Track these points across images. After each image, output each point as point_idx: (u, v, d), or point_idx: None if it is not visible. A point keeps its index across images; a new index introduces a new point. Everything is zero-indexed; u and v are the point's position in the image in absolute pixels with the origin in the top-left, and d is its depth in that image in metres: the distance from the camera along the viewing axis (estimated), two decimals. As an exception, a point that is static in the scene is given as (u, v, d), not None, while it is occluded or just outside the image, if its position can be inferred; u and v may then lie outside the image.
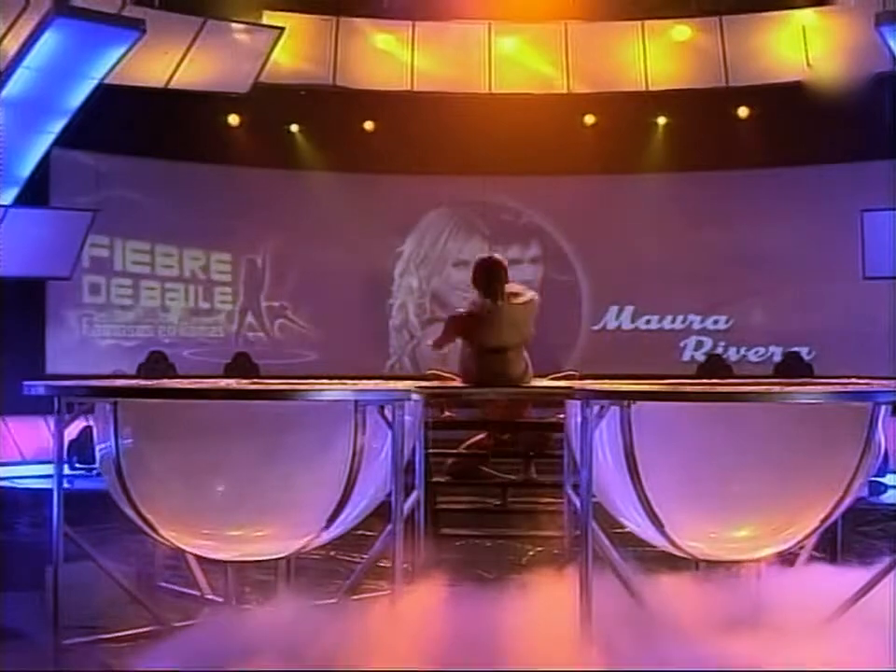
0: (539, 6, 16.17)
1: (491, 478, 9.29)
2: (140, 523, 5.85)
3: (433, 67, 16.42)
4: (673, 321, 17.34)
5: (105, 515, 6.27)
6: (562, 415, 7.08)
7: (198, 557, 6.23)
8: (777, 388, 5.80)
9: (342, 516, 5.79)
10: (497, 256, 7.05)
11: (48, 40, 12.96)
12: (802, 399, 5.53)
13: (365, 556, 5.98)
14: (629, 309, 17.37)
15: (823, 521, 5.73)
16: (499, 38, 16.49)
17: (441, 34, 16.42)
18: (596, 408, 5.62)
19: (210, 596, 6.54)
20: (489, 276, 6.96)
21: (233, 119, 16.62)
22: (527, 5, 16.14)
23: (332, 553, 7.43)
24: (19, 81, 13.16)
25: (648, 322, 17.37)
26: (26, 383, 6.15)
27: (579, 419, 5.75)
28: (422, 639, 5.43)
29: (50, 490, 5.98)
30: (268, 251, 17.22)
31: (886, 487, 12.61)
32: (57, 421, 5.99)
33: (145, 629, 6.05)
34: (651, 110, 16.72)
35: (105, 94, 13.95)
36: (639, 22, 16.32)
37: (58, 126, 13.88)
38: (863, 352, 14.89)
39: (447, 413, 8.88)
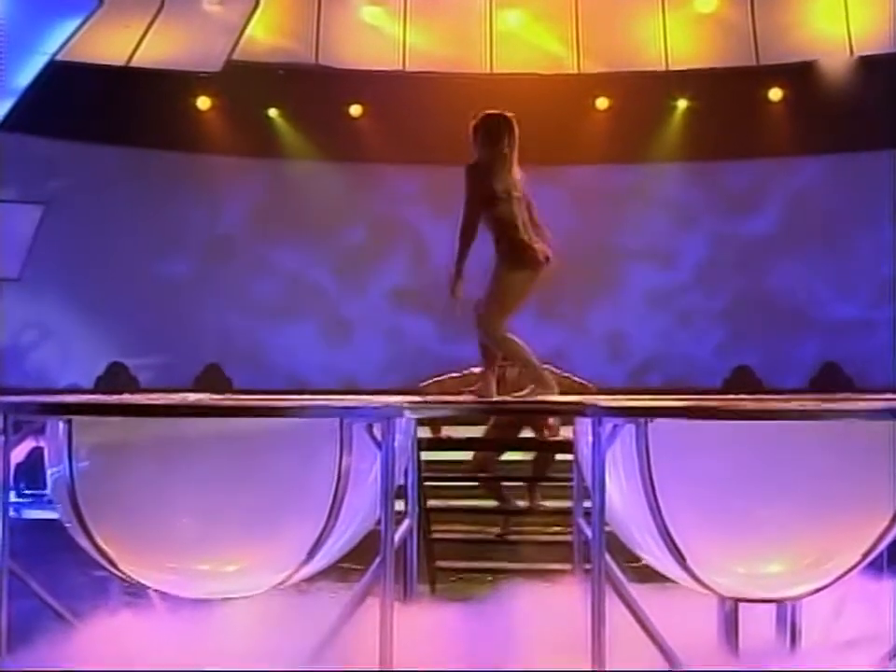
0: (547, -26, 16.25)
1: (498, 487, 9.31)
2: (97, 556, 5.84)
3: (427, 44, 16.46)
4: (696, 325, 17.32)
5: (57, 547, 6.25)
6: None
7: (162, 594, 6.22)
8: (813, 404, 5.81)
9: (325, 547, 5.79)
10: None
11: (-8, 10, 12.99)
12: (842, 416, 5.54)
13: (351, 592, 5.98)
14: (644, 311, 17.37)
15: (866, 554, 5.72)
16: (502, 11, 16.54)
17: (437, 6, 16.46)
18: (610, 426, 5.62)
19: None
20: (499, 131, 7.01)
21: (204, 102, 16.62)
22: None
23: (314, 589, 7.42)
24: (-41, 57, 13.19)
25: (667, 326, 17.36)
26: (-33, 398, 6.15)
27: (590, 438, 5.75)
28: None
29: (-5, 519, 5.97)
30: (245, 248, 17.21)
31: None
32: (3, 442, 5.98)
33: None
34: (672, 92, 16.75)
35: (59, 72, 13.99)
36: (659, -9, 16.38)
37: (4, 108, 13.89)
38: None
39: (444, 433, 8.90)
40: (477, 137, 7.02)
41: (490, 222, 6.96)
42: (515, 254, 6.96)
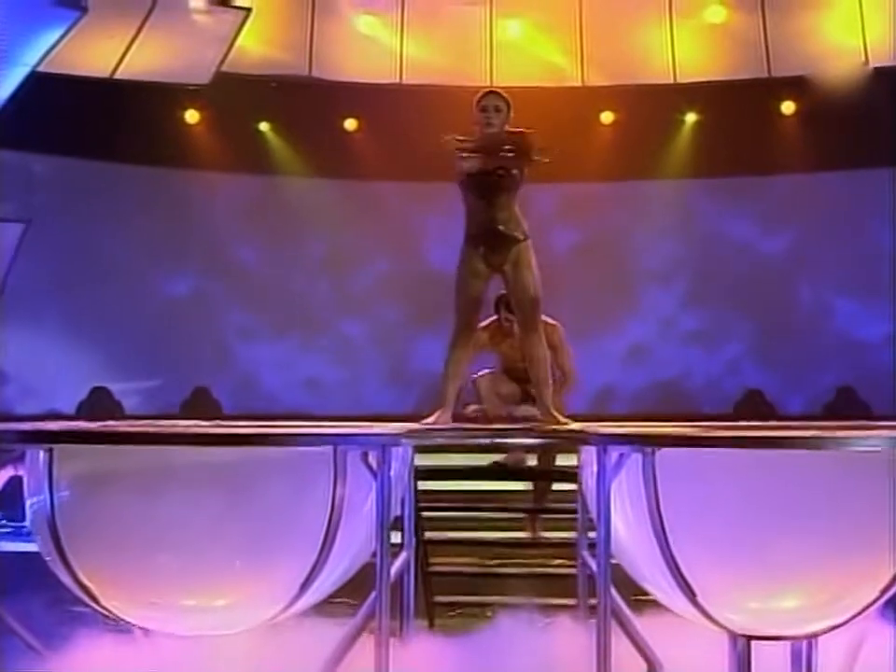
0: (549, -18, 16.26)
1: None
2: (78, 591, 5.81)
3: (425, 55, 16.48)
4: (706, 350, 17.32)
5: (36, 582, 6.22)
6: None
7: (148, 632, 6.19)
8: (828, 432, 5.79)
9: (317, 582, 5.77)
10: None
11: (-31, 20, 13.01)
12: (858, 445, 5.52)
13: (345, 628, 5.96)
14: (652, 333, 17.36)
15: (885, 590, 5.70)
16: (503, 21, 16.58)
17: (435, 15, 16.48)
18: (615, 455, 5.62)
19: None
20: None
21: (192, 116, 16.64)
22: (535, -19, 16.23)
23: (306, 626, 7.40)
24: (-64, 67, 13.21)
25: (676, 351, 17.35)
26: (-60, 424, 6.14)
27: (595, 468, 5.75)
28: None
29: (-30, 552, 5.96)
30: (234, 269, 17.20)
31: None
32: (-21, 471, 5.98)
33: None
34: (680, 106, 16.76)
35: (40, 84, 13.96)
36: (666, 1, 16.37)
37: (-18, 122, 13.89)
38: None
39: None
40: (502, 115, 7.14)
41: (512, 207, 7.02)
42: (528, 240, 7.06)
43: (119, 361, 16.58)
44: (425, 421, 6.98)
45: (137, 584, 5.76)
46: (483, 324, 8.30)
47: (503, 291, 8.10)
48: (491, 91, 7.39)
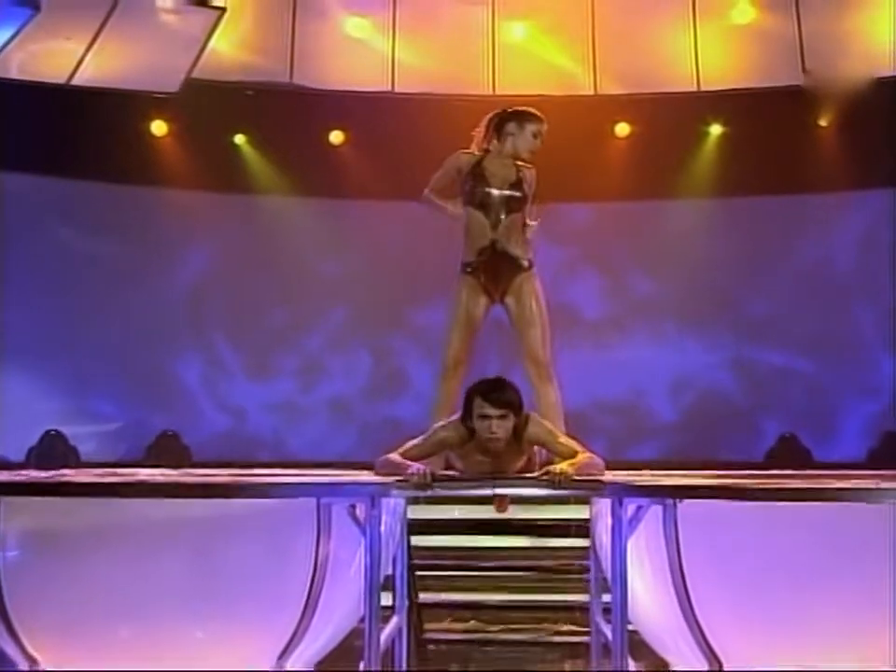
0: (558, -20, 16.32)
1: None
2: (23, 662, 5.79)
3: (420, 61, 16.52)
4: (735, 386, 17.32)
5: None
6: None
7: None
8: (871, 483, 5.79)
9: (298, 650, 5.77)
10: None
11: None
12: (900, 497, 5.53)
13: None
14: (673, 371, 17.36)
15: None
16: (506, 23, 16.62)
17: (431, 17, 16.53)
18: (632, 507, 5.61)
19: None
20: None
21: (159, 127, 16.65)
22: (542, -21, 16.28)
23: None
24: None
25: (700, 388, 17.36)
26: None
27: (609, 522, 5.74)
28: None
29: None
30: (206, 297, 17.19)
31: None
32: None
33: None
34: (704, 116, 16.78)
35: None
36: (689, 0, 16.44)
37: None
38: None
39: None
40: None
41: (518, 229, 7.02)
42: (533, 268, 7.06)
43: (75, 402, 16.54)
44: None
45: (93, 654, 5.75)
46: (453, 420, 6.98)
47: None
48: (536, 115, 7.38)
